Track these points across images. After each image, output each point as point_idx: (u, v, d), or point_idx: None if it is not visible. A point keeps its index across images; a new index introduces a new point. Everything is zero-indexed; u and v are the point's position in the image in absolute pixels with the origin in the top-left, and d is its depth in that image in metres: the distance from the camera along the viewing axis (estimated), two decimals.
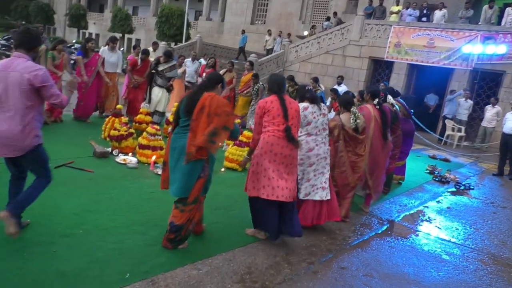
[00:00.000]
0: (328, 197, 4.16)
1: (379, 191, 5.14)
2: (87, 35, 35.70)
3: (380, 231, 4.63)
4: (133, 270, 2.98)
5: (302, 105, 4.05)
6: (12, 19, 35.99)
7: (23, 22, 24.00)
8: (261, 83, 9.39)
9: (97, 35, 34.70)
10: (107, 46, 8.29)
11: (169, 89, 8.07)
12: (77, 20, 30.82)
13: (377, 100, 5.00)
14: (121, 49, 23.43)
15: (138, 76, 7.98)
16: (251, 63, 10.23)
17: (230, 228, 4.00)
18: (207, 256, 3.37)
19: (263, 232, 3.87)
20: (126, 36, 28.35)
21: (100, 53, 8.02)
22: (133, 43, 28.12)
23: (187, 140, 3.24)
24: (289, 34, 19.33)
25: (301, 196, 4.10)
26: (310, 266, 3.53)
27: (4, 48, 15.45)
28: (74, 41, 27.24)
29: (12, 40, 13.10)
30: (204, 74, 9.97)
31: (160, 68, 7.88)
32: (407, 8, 14.81)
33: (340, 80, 11.11)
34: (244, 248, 3.65)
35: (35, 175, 3.24)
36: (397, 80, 13.89)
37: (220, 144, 3.41)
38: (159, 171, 5.33)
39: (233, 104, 10.00)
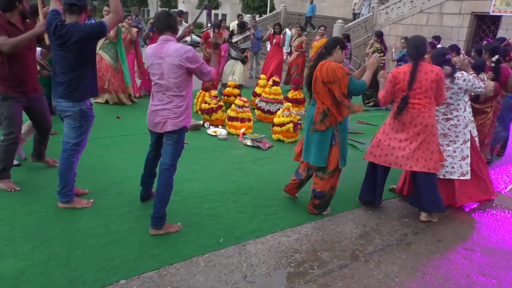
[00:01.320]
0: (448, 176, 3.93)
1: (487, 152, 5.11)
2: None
3: (475, 206, 4.26)
4: (226, 235, 3.14)
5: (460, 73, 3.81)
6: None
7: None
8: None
9: (186, 12, 36.07)
10: None
11: (243, 61, 8.07)
12: (168, 0, 32.28)
13: (496, 57, 4.71)
14: (209, 24, 24.10)
15: (210, 49, 8.00)
16: (325, 28, 9.86)
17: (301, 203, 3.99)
18: (296, 224, 3.43)
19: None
20: (213, 11, 29.01)
21: None
22: (220, 17, 28.72)
23: (315, 110, 3.43)
24: None
25: (456, 175, 3.88)
26: (403, 237, 3.40)
27: None
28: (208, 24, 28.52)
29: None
30: (274, 41, 9.65)
31: (234, 39, 7.87)
32: None
33: (435, 41, 9.76)
34: (332, 217, 3.63)
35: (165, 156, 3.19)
36: (506, 36, 12.30)
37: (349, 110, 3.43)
38: (248, 142, 5.49)
39: (301, 70, 9.68)
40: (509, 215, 4.01)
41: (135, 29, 7.51)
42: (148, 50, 3.11)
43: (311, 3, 19.01)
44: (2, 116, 3.49)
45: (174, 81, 2.96)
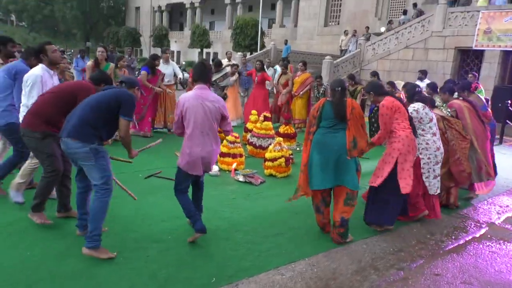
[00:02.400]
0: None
1: (494, 175, 5.27)
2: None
3: (478, 235, 4.22)
4: (219, 274, 3.06)
5: (419, 104, 4.27)
6: (105, 45, 39.78)
7: (110, 46, 25.95)
8: (326, 84, 9.24)
9: (178, 52, 36.84)
10: (161, 60, 8.16)
11: (224, 98, 8.05)
12: (160, 40, 32.99)
13: (455, 94, 5.26)
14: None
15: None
16: (305, 64, 9.81)
17: (312, 233, 3.93)
18: (290, 262, 3.35)
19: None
20: (205, 50, 29.69)
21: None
22: (211, 56, 29.36)
23: (346, 138, 3.61)
24: (367, 28, 18.59)
25: (432, 191, 4.30)
26: (399, 272, 3.33)
27: None
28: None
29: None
30: (256, 79, 9.51)
31: (213, 78, 7.77)
32: None
33: (422, 75, 10.05)
34: (327, 253, 3.56)
35: (198, 192, 3.84)
36: (489, 70, 12.70)
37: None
38: (240, 178, 5.45)
39: (289, 107, 9.71)
40: (504, 247, 3.97)
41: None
42: (183, 96, 3.48)
43: (286, 44, 19.47)
44: (44, 155, 3.49)
45: (215, 123, 3.47)
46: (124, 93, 3.24)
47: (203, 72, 3.57)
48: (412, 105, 4.29)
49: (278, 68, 12.65)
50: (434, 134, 4.25)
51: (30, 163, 3.99)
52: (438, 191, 4.35)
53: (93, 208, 3.17)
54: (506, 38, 12.23)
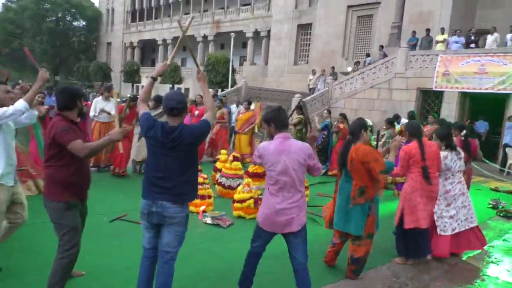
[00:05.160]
0: (468, 227, 4.76)
1: None
2: (140, 89, 37.92)
3: (441, 275, 4.31)
4: None
5: (443, 154, 4.57)
6: (74, 79, 39.38)
7: (74, 82, 25.69)
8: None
9: None
10: (101, 96, 7.89)
11: None
12: (131, 75, 33.00)
13: (464, 131, 5.72)
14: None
15: (126, 124, 7.20)
16: (249, 103, 10.11)
17: (282, 279, 3.90)
18: None
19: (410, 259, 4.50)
20: (176, 86, 29.84)
21: (93, 102, 7.67)
22: (183, 91, 29.44)
23: (352, 186, 3.84)
24: (332, 68, 19.29)
25: (449, 232, 4.64)
26: None
27: None
28: (128, 95, 29.06)
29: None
30: (196, 112, 9.14)
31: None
32: (452, 36, 14.48)
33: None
34: None
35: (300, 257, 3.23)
36: (449, 110, 13.38)
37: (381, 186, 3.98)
38: (208, 220, 5.40)
39: (228, 139, 9.78)
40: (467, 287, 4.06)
41: (44, 107, 6.38)
42: (263, 147, 3.19)
43: (217, 92, 19.84)
44: (66, 228, 3.04)
45: (299, 177, 3.11)
46: (193, 131, 2.98)
47: (284, 120, 3.23)
48: (443, 153, 4.59)
49: (252, 106, 12.87)
50: (446, 179, 4.66)
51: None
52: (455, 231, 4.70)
53: (163, 283, 2.92)
54: (463, 81, 13.00)
